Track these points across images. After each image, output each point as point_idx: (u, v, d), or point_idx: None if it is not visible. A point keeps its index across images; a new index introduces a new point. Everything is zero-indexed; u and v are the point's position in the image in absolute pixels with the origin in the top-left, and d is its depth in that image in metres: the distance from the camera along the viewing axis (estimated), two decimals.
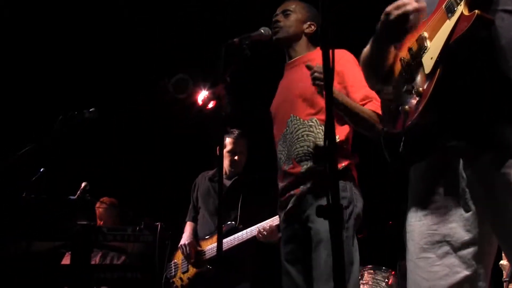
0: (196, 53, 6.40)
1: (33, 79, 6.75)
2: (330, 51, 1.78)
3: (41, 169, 4.52)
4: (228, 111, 2.98)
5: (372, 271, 5.52)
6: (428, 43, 2.05)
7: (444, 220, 2.07)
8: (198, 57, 6.23)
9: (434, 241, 2.08)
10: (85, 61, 6.86)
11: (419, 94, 2.00)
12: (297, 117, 3.44)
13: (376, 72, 2.42)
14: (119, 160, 6.78)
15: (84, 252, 4.18)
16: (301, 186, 3.33)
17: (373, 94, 3.23)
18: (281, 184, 3.49)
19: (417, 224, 2.15)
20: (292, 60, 3.61)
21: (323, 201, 3.01)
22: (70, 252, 4.29)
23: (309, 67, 3.17)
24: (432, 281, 2.06)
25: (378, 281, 5.58)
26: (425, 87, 1.99)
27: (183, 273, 4.93)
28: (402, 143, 2.18)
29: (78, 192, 4.82)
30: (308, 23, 3.60)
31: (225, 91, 2.92)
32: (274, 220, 4.36)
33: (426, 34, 2.08)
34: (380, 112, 3.04)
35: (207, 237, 4.86)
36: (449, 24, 1.94)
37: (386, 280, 5.58)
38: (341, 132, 3.38)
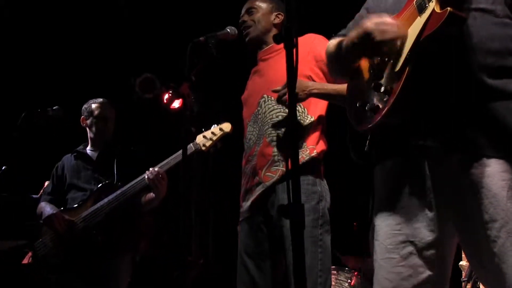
0: (162, 52, 6.38)
1: None
2: (294, 50, 1.79)
3: (3, 167, 4.46)
4: (194, 110, 2.96)
5: (335, 272, 5.54)
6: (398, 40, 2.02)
7: (408, 220, 2.06)
8: (164, 56, 6.21)
9: (398, 241, 2.07)
10: (51, 59, 6.79)
11: (387, 92, 1.98)
12: (272, 98, 3.33)
13: (342, 70, 2.39)
14: None
15: None
16: (269, 174, 3.24)
17: None
18: (248, 166, 3.39)
19: (382, 224, 2.14)
20: (266, 48, 3.58)
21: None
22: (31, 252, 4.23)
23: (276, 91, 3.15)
24: (396, 282, 2.06)
25: (341, 281, 5.62)
26: (393, 85, 1.97)
27: (55, 247, 4.19)
28: (367, 142, 2.19)
29: (41, 191, 4.76)
30: (275, 13, 3.58)
31: (190, 90, 2.90)
32: (162, 166, 4.09)
33: None
34: None
35: (79, 203, 4.29)
36: (420, 21, 1.93)
37: (349, 280, 5.63)
38: (315, 111, 3.32)
